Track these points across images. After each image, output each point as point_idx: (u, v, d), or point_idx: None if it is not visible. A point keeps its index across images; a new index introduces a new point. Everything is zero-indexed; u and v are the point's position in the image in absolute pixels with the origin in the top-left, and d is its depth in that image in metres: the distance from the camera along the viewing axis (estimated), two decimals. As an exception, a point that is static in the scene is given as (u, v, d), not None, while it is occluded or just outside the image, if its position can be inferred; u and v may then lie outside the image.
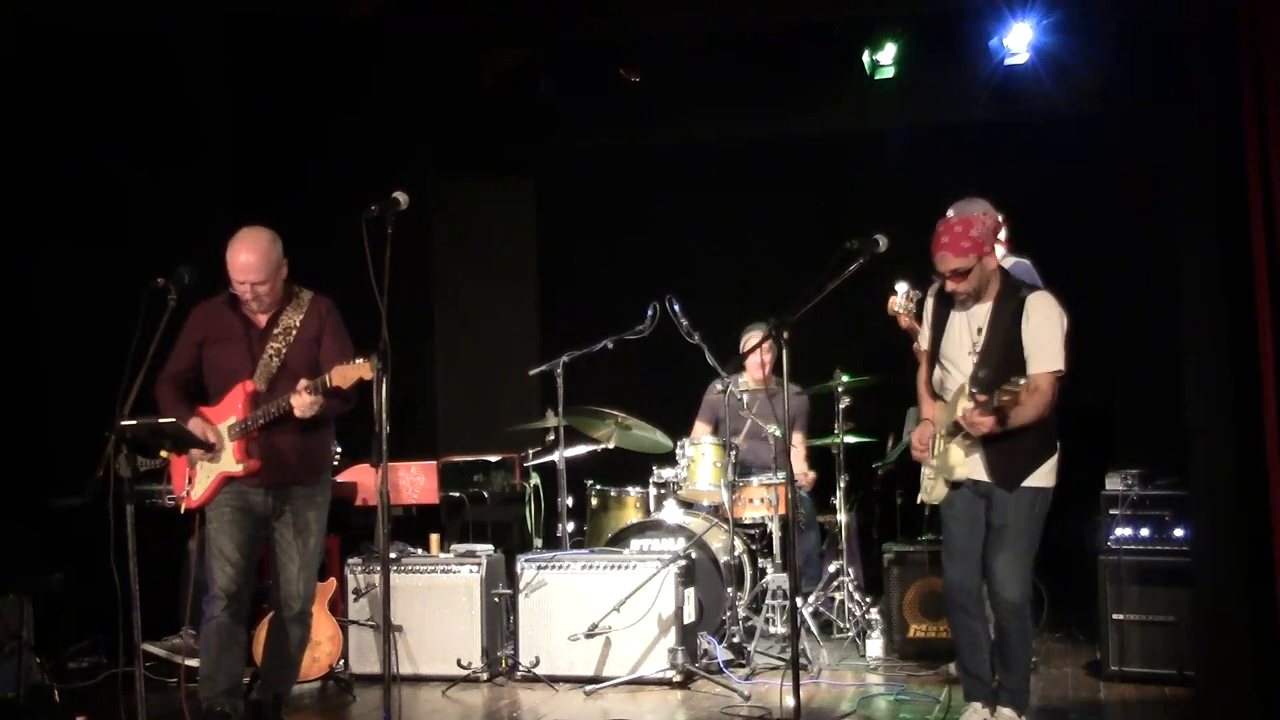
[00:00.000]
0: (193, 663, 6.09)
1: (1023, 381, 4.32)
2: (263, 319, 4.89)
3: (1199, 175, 4.82)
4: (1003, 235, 5.72)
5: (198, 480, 4.83)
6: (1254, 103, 4.52)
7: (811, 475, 7.08)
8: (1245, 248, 4.52)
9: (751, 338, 6.75)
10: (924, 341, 4.89)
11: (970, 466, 4.62)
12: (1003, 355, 4.53)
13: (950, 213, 5.54)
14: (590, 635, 5.79)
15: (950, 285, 4.60)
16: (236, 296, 4.88)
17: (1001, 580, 4.58)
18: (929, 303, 4.86)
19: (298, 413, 4.67)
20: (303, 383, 4.66)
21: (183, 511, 4.92)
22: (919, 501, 4.97)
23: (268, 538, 4.91)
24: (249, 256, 4.78)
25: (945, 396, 4.76)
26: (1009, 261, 5.67)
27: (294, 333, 4.86)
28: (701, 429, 7.18)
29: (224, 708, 4.74)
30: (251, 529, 4.84)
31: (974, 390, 4.50)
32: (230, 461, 4.78)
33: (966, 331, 4.66)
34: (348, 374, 4.57)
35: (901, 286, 5.63)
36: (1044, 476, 4.63)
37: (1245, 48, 4.55)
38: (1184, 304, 4.86)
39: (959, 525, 4.71)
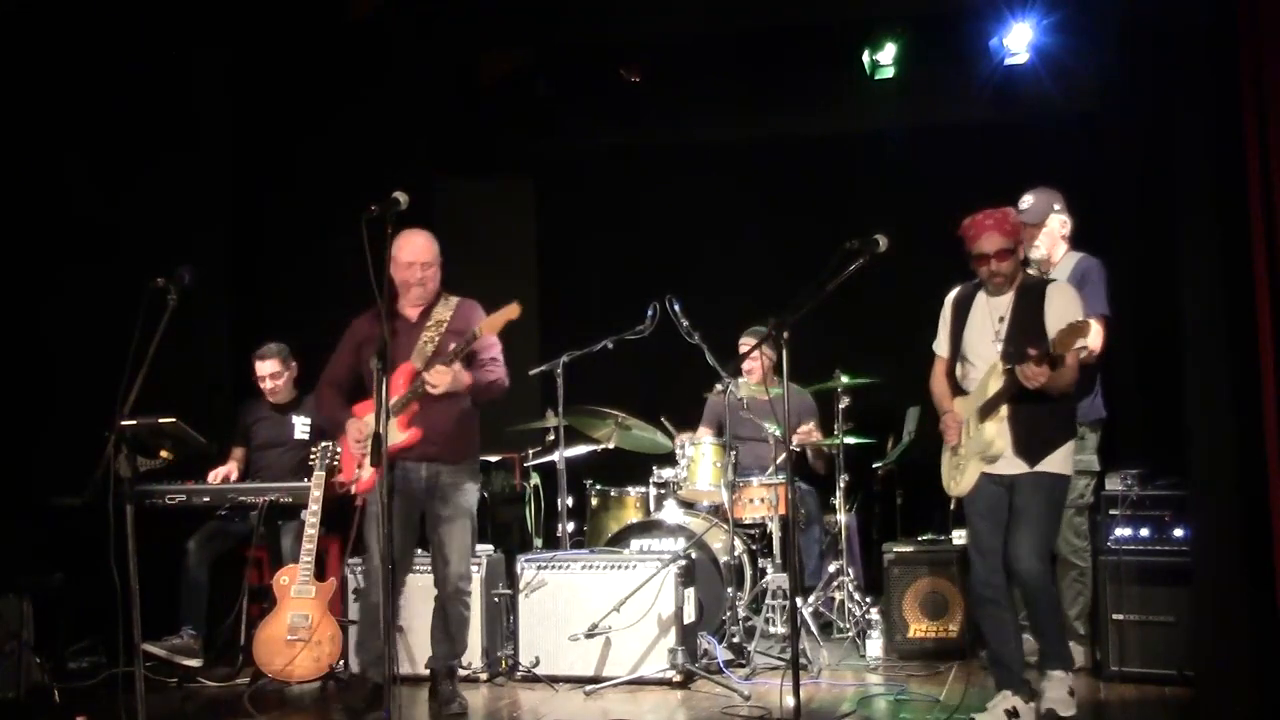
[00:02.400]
0: (192, 663, 6.14)
1: (1079, 319, 4.48)
2: (414, 314, 5.33)
3: (1199, 175, 4.82)
4: (1066, 232, 5.78)
5: (366, 463, 5.14)
6: (1254, 103, 4.51)
7: (816, 436, 7.04)
8: (1245, 248, 4.52)
9: (745, 343, 6.75)
10: (941, 347, 5.04)
11: (1005, 441, 4.76)
12: (1026, 336, 4.69)
13: (1030, 198, 5.72)
14: (590, 635, 5.79)
15: (994, 265, 4.77)
16: (392, 306, 5.25)
17: (1021, 555, 4.73)
18: (946, 310, 5.03)
19: (433, 385, 5.04)
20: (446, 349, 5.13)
21: (353, 491, 5.38)
22: (947, 492, 5.05)
23: (422, 522, 5.32)
24: (419, 239, 5.26)
25: (968, 387, 4.90)
26: (1074, 258, 5.73)
27: (444, 325, 5.31)
28: (705, 434, 7.19)
29: (376, 677, 5.06)
30: (409, 510, 5.24)
31: (1008, 367, 4.66)
32: (395, 434, 5.07)
33: (989, 321, 4.84)
34: (495, 321, 5.02)
35: None
36: (1062, 462, 4.79)
37: (1245, 48, 4.55)
38: (1184, 304, 4.86)
39: (984, 521, 4.85)
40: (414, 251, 5.27)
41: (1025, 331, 4.72)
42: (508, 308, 5.03)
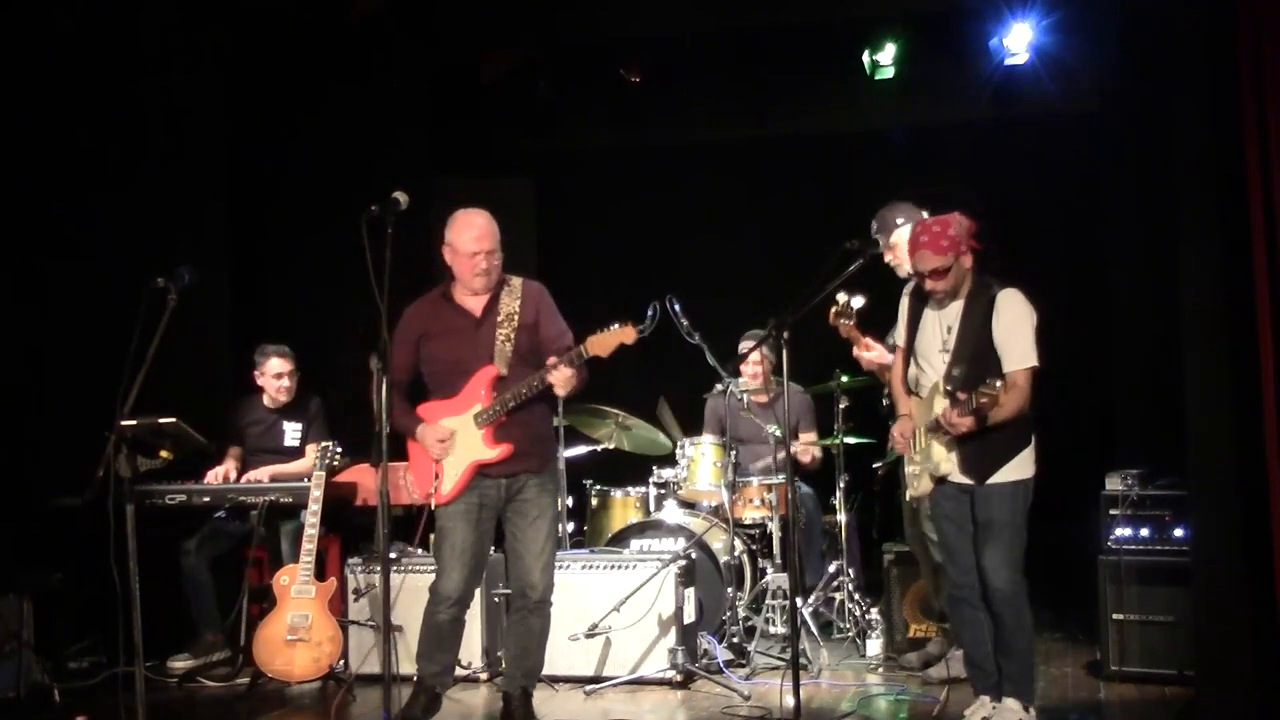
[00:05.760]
0: (221, 656, 6.12)
1: (999, 384, 4.39)
2: (479, 307, 4.85)
3: (1199, 175, 4.82)
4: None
5: (445, 475, 4.79)
6: (1254, 103, 4.51)
7: (817, 453, 7.04)
8: (1245, 248, 4.51)
9: (746, 344, 6.74)
10: (899, 339, 4.92)
11: (953, 461, 4.66)
12: (974, 353, 4.59)
13: (873, 223, 5.46)
14: (590, 635, 5.79)
15: (929, 284, 4.63)
16: (449, 293, 4.89)
17: (991, 571, 4.63)
18: (904, 301, 4.89)
19: (560, 390, 4.68)
20: (552, 360, 4.66)
21: (433, 507, 4.90)
22: (907, 498, 5.02)
23: (500, 529, 4.93)
24: (480, 221, 4.76)
25: (920, 393, 4.79)
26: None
27: (516, 319, 4.82)
28: (709, 439, 7.18)
29: (437, 686, 4.95)
30: (486, 525, 4.86)
31: (949, 389, 4.56)
32: (482, 449, 4.73)
33: (938, 329, 4.70)
34: (607, 341, 4.57)
35: (841, 296, 5.45)
36: (1021, 468, 4.67)
37: (1245, 48, 4.55)
38: (1184, 304, 4.86)
39: (950, 525, 4.78)
40: (477, 239, 4.72)
41: (971, 348, 4.58)
42: (624, 330, 4.54)
